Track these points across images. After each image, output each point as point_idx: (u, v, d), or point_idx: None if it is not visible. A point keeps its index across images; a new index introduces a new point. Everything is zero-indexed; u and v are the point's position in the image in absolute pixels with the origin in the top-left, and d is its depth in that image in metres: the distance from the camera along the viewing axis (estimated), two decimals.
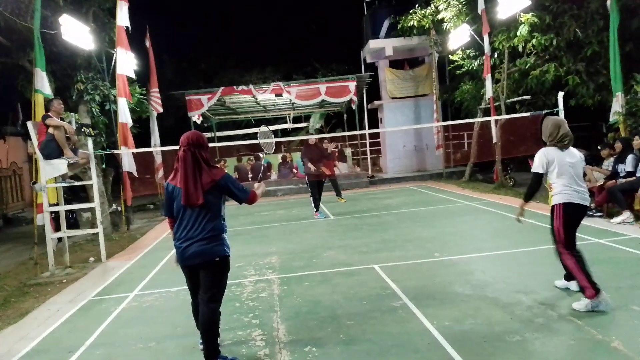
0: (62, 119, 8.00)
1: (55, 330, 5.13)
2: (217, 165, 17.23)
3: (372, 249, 7.48)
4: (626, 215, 7.81)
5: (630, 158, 8.28)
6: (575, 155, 4.65)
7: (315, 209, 11.13)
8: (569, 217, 4.54)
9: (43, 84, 8.29)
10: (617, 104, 9.78)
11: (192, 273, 3.89)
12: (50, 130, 7.55)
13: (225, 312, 5.04)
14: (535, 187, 4.69)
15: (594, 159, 9.83)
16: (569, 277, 4.78)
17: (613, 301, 4.40)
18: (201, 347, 3.98)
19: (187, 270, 3.91)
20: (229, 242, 3.91)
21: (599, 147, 9.68)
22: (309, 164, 11.19)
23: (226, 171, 4.01)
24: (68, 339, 4.80)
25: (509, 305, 4.63)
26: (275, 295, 5.60)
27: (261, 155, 19.47)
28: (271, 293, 5.70)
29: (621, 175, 8.36)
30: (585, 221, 8.10)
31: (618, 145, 8.66)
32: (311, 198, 11.27)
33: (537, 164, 4.60)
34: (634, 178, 8.03)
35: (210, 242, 3.75)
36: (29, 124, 7.84)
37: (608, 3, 9.72)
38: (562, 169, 4.52)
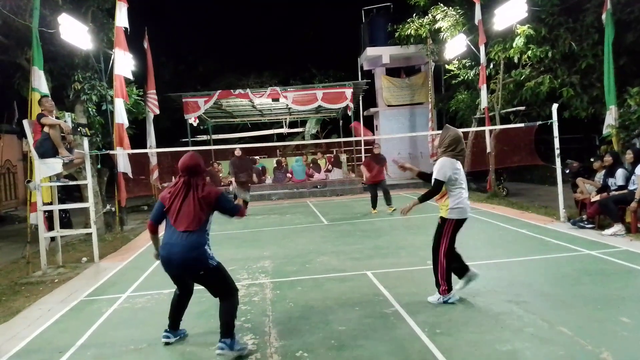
0: (57, 118, 8.00)
1: (46, 330, 5.11)
2: (212, 166, 17.28)
3: (365, 255, 7.51)
4: (617, 227, 7.86)
5: (620, 172, 8.32)
6: (460, 165, 5.05)
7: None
8: (456, 231, 4.98)
9: (40, 82, 8.29)
10: (611, 117, 9.85)
11: (176, 277, 4.31)
12: (46, 129, 7.55)
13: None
14: (435, 193, 4.97)
15: (586, 171, 9.90)
16: (460, 272, 5.14)
17: (603, 313, 4.46)
18: (165, 340, 4.39)
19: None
20: (212, 252, 4.09)
21: (591, 160, 9.74)
22: (233, 179, 12.23)
23: (221, 190, 4.33)
24: (58, 340, 4.79)
25: (500, 314, 4.66)
26: (267, 300, 5.61)
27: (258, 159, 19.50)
28: (263, 297, 5.71)
29: (612, 189, 8.41)
30: (577, 232, 8.23)
31: (608, 159, 8.68)
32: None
33: (442, 173, 4.85)
34: (625, 191, 8.09)
35: (192, 254, 3.96)
36: (25, 122, 7.85)
37: (603, 17, 9.83)
38: (461, 177, 4.95)
